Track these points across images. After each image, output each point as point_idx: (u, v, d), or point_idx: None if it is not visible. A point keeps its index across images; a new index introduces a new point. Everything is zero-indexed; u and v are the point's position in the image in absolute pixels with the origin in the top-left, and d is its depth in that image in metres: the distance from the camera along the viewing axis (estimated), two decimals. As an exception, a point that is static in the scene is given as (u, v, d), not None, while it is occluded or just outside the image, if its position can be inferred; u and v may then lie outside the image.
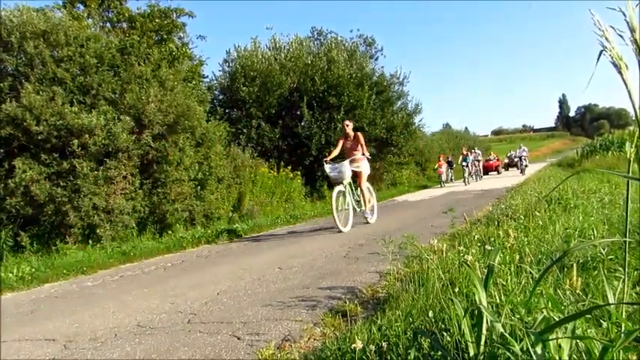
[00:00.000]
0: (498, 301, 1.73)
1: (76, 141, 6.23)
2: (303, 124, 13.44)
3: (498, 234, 3.43)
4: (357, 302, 2.74)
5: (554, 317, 1.31)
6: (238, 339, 2.38)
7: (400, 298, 2.44)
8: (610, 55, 1.07)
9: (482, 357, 1.38)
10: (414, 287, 2.49)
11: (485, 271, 1.63)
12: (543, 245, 2.92)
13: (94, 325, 2.92)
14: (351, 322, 2.29)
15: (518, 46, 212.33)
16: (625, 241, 1.34)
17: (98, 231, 6.27)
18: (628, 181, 1.35)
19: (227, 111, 13.65)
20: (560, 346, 1.20)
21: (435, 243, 2.64)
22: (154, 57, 8.24)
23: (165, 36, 11.49)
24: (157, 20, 11.26)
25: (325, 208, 9.68)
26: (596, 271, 2.14)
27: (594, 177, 8.62)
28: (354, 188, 6.85)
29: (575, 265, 1.90)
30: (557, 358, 1.18)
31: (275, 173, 11.07)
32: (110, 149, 6.56)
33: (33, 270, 4.94)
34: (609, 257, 2.35)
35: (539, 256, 2.63)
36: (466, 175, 18.11)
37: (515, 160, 22.05)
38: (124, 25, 11.21)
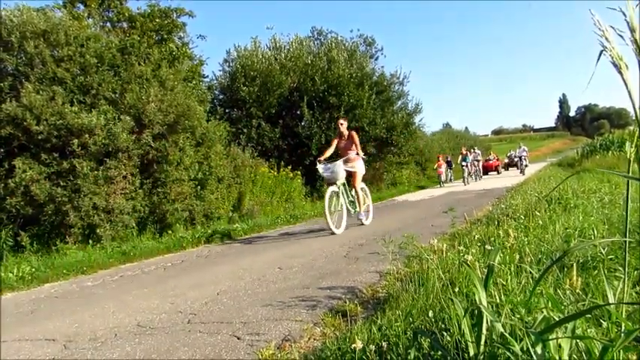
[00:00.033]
0: (498, 301, 1.73)
1: (76, 141, 6.24)
2: (303, 123, 13.44)
3: (498, 234, 3.43)
4: (357, 302, 2.74)
5: (554, 317, 1.31)
6: (238, 339, 2.38)
7: (400, 297, 2.43)
8: (610, 55, 1.07)
9: (482, 357, 1.38)
10: (414, 287, 2.49)
11: (485, 271, 1.63)
12: (543, 245, 2.92)
13: (94, 325, 2.92)
14: (351, 322, 2.29)
15: (519, 45, 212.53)
16: (625, 241, 1.34)
17: (98, 231, 6.27)
18: (628, 181, 1.35)
19: (227, 111, 13.66)
20: (560, 345, 1.20)
21: (435, 243, 2.64)
22: (154, 57, 8.24)
23: (165, 36, 11.51)
24: (157, 20, 11.27)
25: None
26: (596, 271, 2.14)
27: (594, 177, 8.62)
28: (348, 189, 6.67)
29: (575, 264, 1.90)
30: (557, 357, 1.18)
31: (275, 173, 11.07)
32: (110, 149, 6.57)
33: (33, 270, 4.94)
34: (609, 257, 2.35)
35: (539, 256, 2.63)
36: (465, 175, 18.09)
37: (515, 159, 22.01)
38: (124, 24, 11.23)
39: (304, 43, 15.11)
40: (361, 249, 4.79)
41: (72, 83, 6.72)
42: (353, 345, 1.66)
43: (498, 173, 23.99)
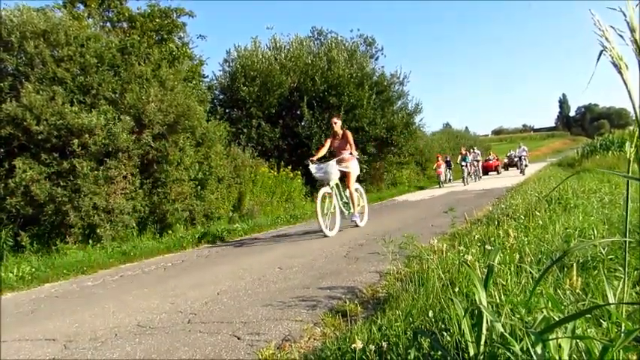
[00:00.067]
0: (498, 301, 1.73)
1: (76, 141, 6.24)
2: (303, 123, 13.44)
3: (498, 234, 3.43)
4: (357, 302, 2.74)
5: (554, 317, 1.31)
6: (238, 339, 2.38)
7: (400, 297, 2.44)
8: (610, 55, 1.07)
9: (482, 357, 1.38)
10: (414, 287, 2.49)
11: (485, 271, 1.63)
12: (543, 245, 2.92)
13: (94, 325, 2.92)
14: (351, 322, 2.29)
15: (519, 45, 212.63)
16: (625, 241, 1.34)
17: (98, 231, 6.27)
18: (628, 181, 1.35)
19: (227, 111, 13.66)
20: (560, 345, 1.20)
21: (435, 243, 2.64)
22: (154, 57, 8.24)
23: (165, 36, 11.51)
24: (157, 20, 11.28)
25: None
26: (596, 271, 2.14)
27: (594, 177, 8.62)
28: (342, 190, 6.48)
29: (575, 264, 1.90)
30: (557, 357, 1.18)
31: (275, 173, 11.07)
32: (110, 149, 6.57)
33: (33, 270, 4.94)
34: (609, 257, 2.35)
35: (539, 256, 2.63)
36: (465, 175, 18.07)
37: (515, 159, 21.97)
38: (124, 24, 11.23)
39: (304, 43, 15.12)
40: (361, 249, 4.79)
41: (72, 83, 6.72)
42: (353, 345, 1.66)
43: (498, 173, 23.97)
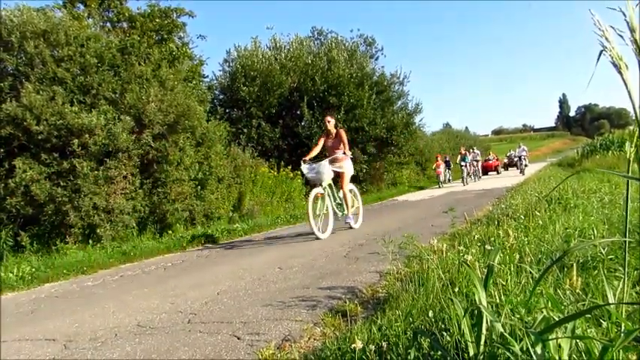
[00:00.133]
0: (498, 301, 1.73)
1: (76, 141, 6.24)
2: (303, 123, 13.45)
3: (498, 234, 3.43)
4: (357, 302, 2.74)
5: (554, 317, 1.31)
6: (238, 339, 2.38)
7: (400, 297, 2.43)
8: (610, 55, 1.07)
9: (482, 357, 1.38)
10: (414, 287, 2.49)
11: (485, 271, 1.63)
12: (543, 245, 2.92)
13: (95, 325, 2.92)
14: (351, 322, 2.29)
15: (519, 45, 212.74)
16: (625, 241, 1.34)
17: (98, 231, 6.27)
18: (628, 181, 1.35)
19: (227, 111, 13.67)
20: (560, 345, 1.20)
21: (435, 243, 2.64)
22: (154, 57, 8.25)
23: (165, 36, 11.51)
24: (157, 20, 11.28)
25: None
26: (596, 271, 2.14)
27: (594, 177, 8.62)
28: (335, 190, 6.29)
29: (575, 264, 1.90)
30: (557, 357, 1.18)
31: (275, 173, 11.07)
32: (110, 149, 6.57)
33: (33, 270, 4.94)
34: (609, 257, 2.35)
35: (539, 256, 2.62)
36: (464, 175, 18.05)
37: (515, 159, 21.93)
38: (124, 24, 11.23)
39: (304, 43, 15.12)
40: (361, 249, 4.79)
41: (72, 83, 6.72)
42: (353, 345, 1.66)
43: (498, 173, 23.95)
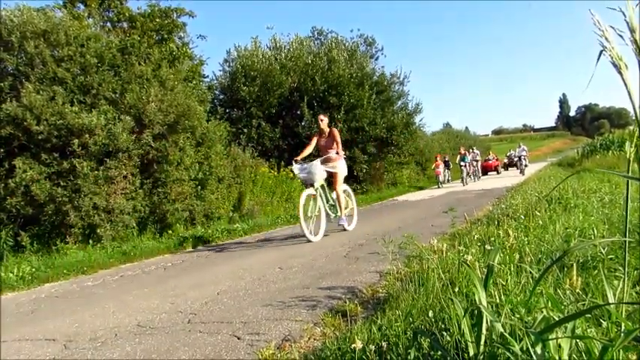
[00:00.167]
0: (498, 300, 1.73)
1: (76, 141, 6.24)
2: (303, 123, 13.44)
3: (498, 234, 3.43)
4: (357, 302, 2.74)
5: (554, 317, 1.31)
6: (238, 339, 2.38)
7: (400, 297, 2.43)
8: (610, 55, 1.07)
9: (482, 357, 1.38)
10: (414, 287, 2.49)
11: (485, 271, 1.63)
12: (543, 245, 2.92)
13: (95, 325, 2.92)
14: (351, 322, 2.29)
15: (519, 45, 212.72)
16: (625, 241, 1.34)
17: (98, 231, 6.27)
18: (628, 181, 1.35)
19: (227, 111, 13.67)
20: (560, 345, 1.20)
21: (435, 243, 2.64)
22: (155, 57, 8.24)
23: (165, 36, 11.51)
24: (157, 20, 11.28)
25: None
26: (596, 271, 2.14)
27: (594, 176, 8.62)
28: (328, 192, 6.13)
29: (575, 264, 1.90)
30: (556, 357, 1.18)
31: (275, 173, 11.08)
32: (110, 149, 6.57)
33: (33, 270, 4.95)
34: (609, 257, 2.35)
35: (539, 256, 2.62)
36: (464, 175, 18.03)
37: (515, 159, 21.87)
38: (125, 24, 11.23)
39: (304, 43, 15.12)
40: (361, 249, 4.79)
41: (72, 83, 6.72)
42: (353, 345, 1.66)
43: (498, 173, 23.91)
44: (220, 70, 14.62)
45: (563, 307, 1.52)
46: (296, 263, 4.32)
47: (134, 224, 6.77)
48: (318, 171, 5.85)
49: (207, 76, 13.86)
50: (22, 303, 3.93)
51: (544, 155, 45.61)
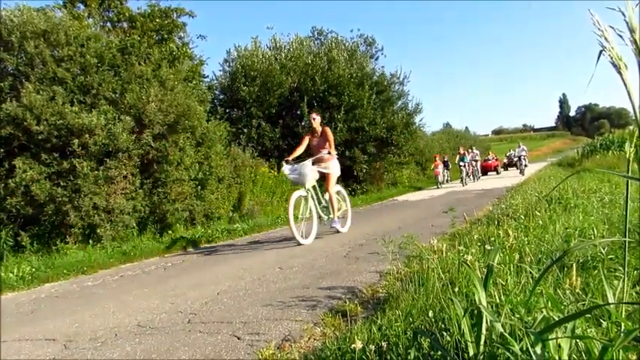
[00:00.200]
0: (498, 300, 1.73)
1: (76, 141, 6.24)
2: (303, 123, 13.43)
3: (498, 234, 3.43)
4: (357, 302, 2.74)
5: (554, 317, 1.31)
6: (238, 339, 2.38)
7: (400, 297, 2.44)
8: (609, 55, 1.07)
9: (481, 357, 1.38)
10: (414, 287, 2.49)
11: (485, 270, 1.63)
12: (543, 245, 2.92)
13: (95, 325, 2.92)
14: (351, 322, 2.29)
15: (519, 45, 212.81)
16: (625, 241, 1.34)
17: (98, 231, 6.27)
18: (628, 181, 1.35)
19: (227, 111, 13.66)
20: (559, 345, 1.20)
21: (435, 243, 2.64)
22: (155, 57, 8.24)
23: (165, 36, 11.51)
24: (157, 20, 11.27)
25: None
26: (596, 271, 2.14)
27: (594, 176, 8.62)
28: (320, 193, 5.92)
29: (575, 264, 1.90)
30: (556, 357, 1.18)
31: (275, 173, 11.07)
32: (110, 149, 6.57)
33: (33, 270, 4.95)
34: (609, 257, 2.35)
35: (539, 256, 2.62)
36: (463, 175, 18.00)
37: (515, 159, 21.83)
38: (125, 24, 11.23)
39: (304, 43, 15.10)
40: (361, 249, 4.79)
41: (72, 83, 6.72)
42: (353, 345, 1.66)
43: (497, 173, 23.87)
44: (220, 70, 14.63)
45: (563, 307, 1.52)
46: (296, 263, 4.33)
47: (134, 224, 6.77)
48: (309, 172, 5.64)
49: (207, 76, 13.87)
50: (22, 303, 3.93)
51: (544, 155, 45.59)
